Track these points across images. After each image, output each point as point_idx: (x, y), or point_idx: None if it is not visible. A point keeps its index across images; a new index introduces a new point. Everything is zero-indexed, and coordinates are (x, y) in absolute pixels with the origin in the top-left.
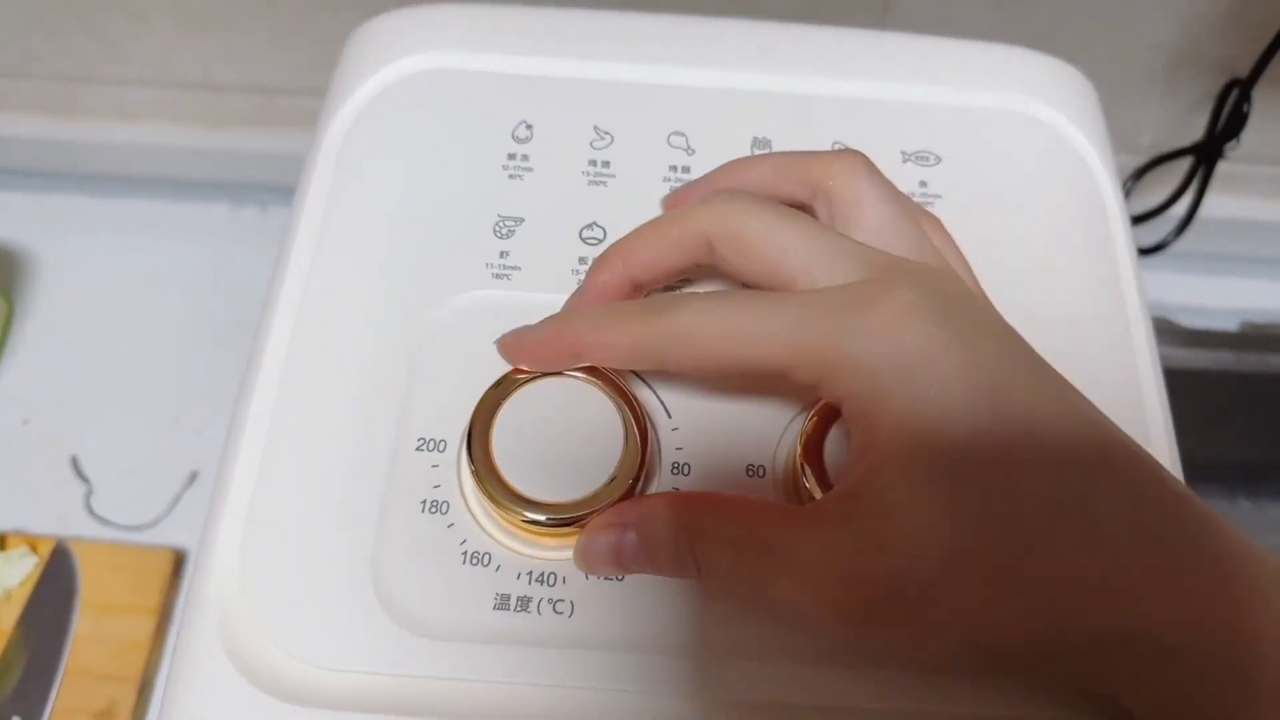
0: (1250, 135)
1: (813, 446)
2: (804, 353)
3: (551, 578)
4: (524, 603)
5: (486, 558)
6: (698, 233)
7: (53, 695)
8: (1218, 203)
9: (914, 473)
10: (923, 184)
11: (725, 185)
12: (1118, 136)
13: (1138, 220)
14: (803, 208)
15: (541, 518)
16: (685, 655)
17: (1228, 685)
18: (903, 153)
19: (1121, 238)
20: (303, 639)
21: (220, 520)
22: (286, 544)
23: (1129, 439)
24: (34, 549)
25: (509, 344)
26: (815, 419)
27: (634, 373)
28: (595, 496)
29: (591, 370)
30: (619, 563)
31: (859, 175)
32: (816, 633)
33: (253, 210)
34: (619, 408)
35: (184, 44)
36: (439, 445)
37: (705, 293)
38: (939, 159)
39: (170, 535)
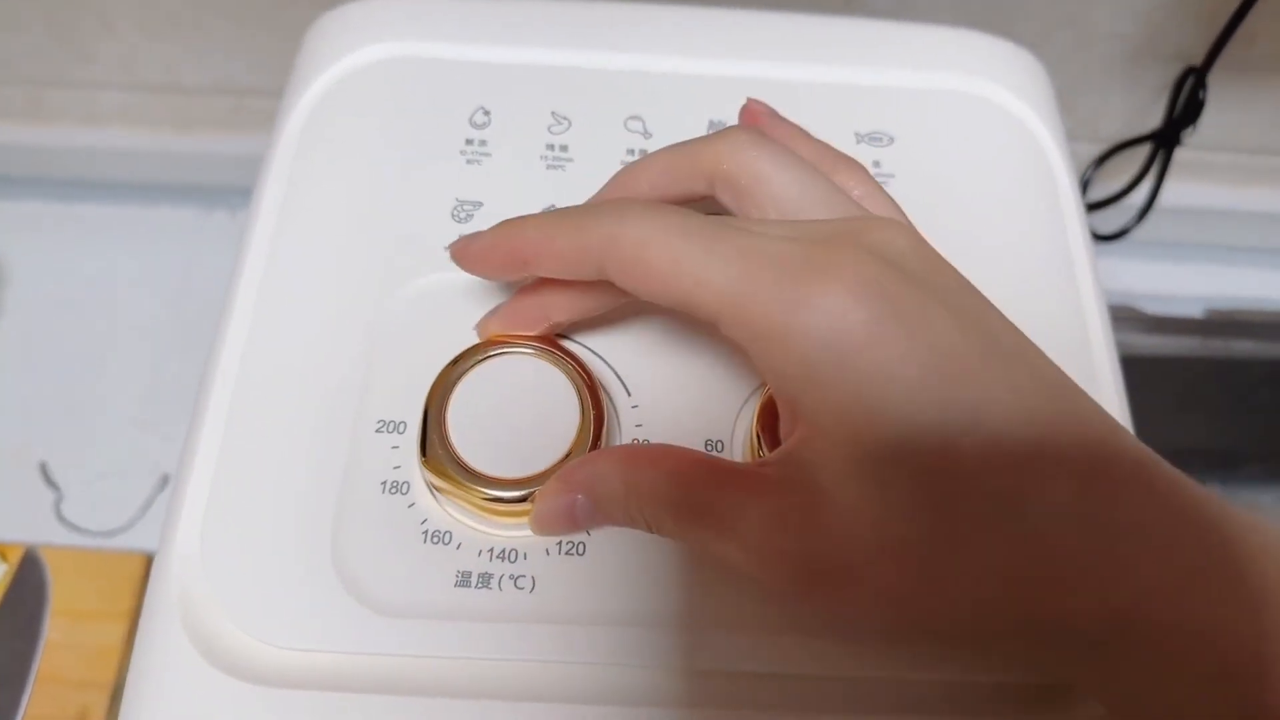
0: (1207, 122)
1: (768, 419)
2: (737, 314)
3: (512, 554)
4: (485, 579)
5: (447, 536)
6: (593, 258)
7: (24, 703)
8: (1178, 190)
9: (852, 461)
10: (876, 164)
11: (615, 197)
12: (1079, 125)
13: (1098, 206)
14: (706, 200)
15: (496, 494)
16: (646, 626)
17: (1176, 673)
18: (856, 134)
19: (1074, 217)
20: (265, 620)
21: (181, 505)
22: (247, 528)
23: (1091, 414)
24: (3, 557)
25: (459, 250)
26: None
27: (594, 351)
28: (549, 472)
29: (548, 347)
30: (574, 525)
31: (749, 149)
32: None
33: (222, 214)
34: (574, 384)
35: (150, 47)
36: (399, 427)
37: (660, 206)
38: (892, 140)
39: (142, 540)
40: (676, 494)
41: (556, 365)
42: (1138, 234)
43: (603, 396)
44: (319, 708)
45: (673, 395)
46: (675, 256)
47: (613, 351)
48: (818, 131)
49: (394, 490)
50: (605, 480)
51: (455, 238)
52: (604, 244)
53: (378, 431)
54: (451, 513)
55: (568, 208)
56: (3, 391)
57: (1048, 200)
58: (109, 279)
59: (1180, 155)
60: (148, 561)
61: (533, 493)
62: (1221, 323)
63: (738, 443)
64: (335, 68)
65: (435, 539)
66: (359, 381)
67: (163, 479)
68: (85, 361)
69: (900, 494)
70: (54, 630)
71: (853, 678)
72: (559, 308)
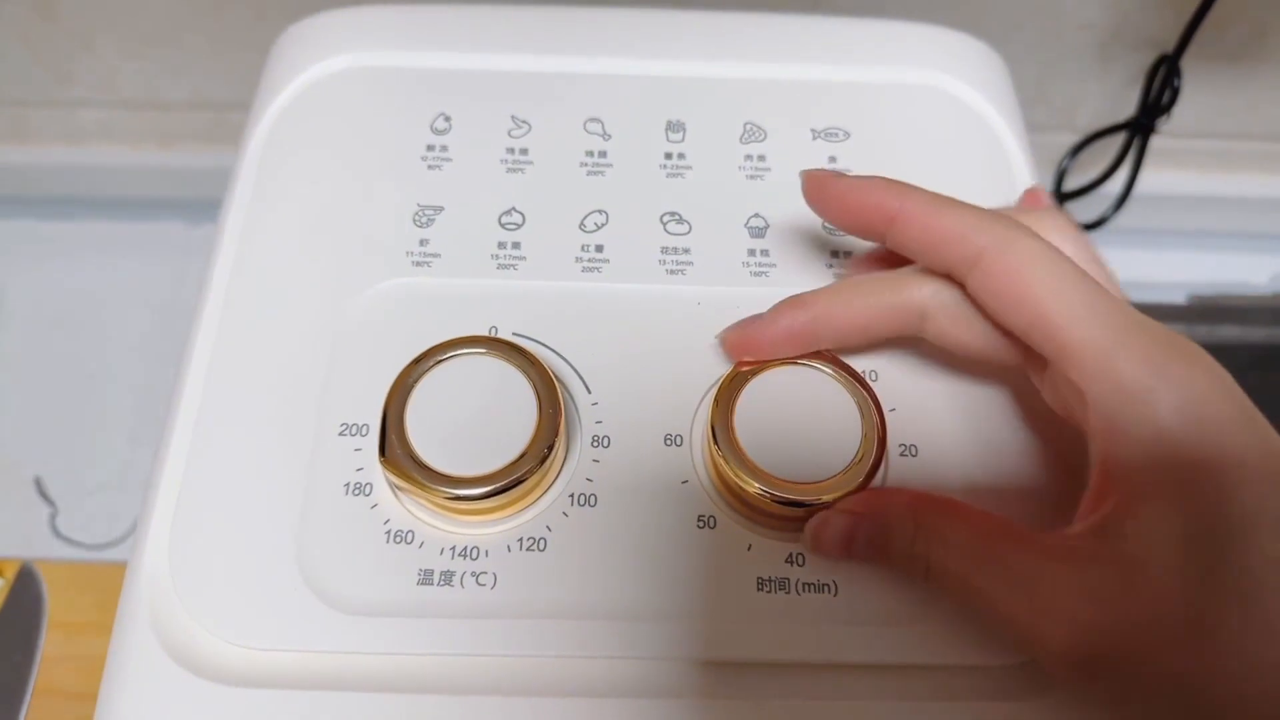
0: (1182, 109)
1: (722, 413)
2: (1102, 365)
3: (474, 551)
4: (447, 577)
5: (410, 535)
6: (967, 249)
7: (22, 716)
8: (1156, 177)
9: (1184, 540)
10: (832, 159)
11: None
12: (1055, 115)
13: (1075, 195)
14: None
15: (456, 492)
16: (607, 619)
17: None
18: (812, 130)
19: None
20: (232, 622)
21: (151, 513)
22: (214, 533)
23: None
24: (0, 572)
25: (818, 177)
26: (725, 385)
27: (553, 349)
28: (508, 470)
29: (507, 348)
30: (849, 549)
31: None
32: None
33: (209, 228)
34: (532, 382)
35: (129, 64)
36: (361, 429)
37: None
38: (848, 134)
39: None
40: (976, 545)
41: (514, 364)
42: (1117, 222)
43: (561, 394)
44: (287, 706)
45: (633, 390)
46: (1061, 285)
47: (573, 349)
48: (774, 129)
49: (357, 491)
50: (898, 515)
51: (416, 243)
52: (994, 239)
53: (340, 434)
54: (413, 512)
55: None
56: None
57: (1004, 188)
58: (98, 295)
59: (1156, 143)
60: None
61: (493, 489)
62: (1204, 308)
63: (696, 437)
64: (299, 80)
65: (398, 538)
66: (322, 386)
67: None
68: (77, 377)
69: (1226, 580)
70: (51, 643)
71: (815, 663)
72: (832, 331)
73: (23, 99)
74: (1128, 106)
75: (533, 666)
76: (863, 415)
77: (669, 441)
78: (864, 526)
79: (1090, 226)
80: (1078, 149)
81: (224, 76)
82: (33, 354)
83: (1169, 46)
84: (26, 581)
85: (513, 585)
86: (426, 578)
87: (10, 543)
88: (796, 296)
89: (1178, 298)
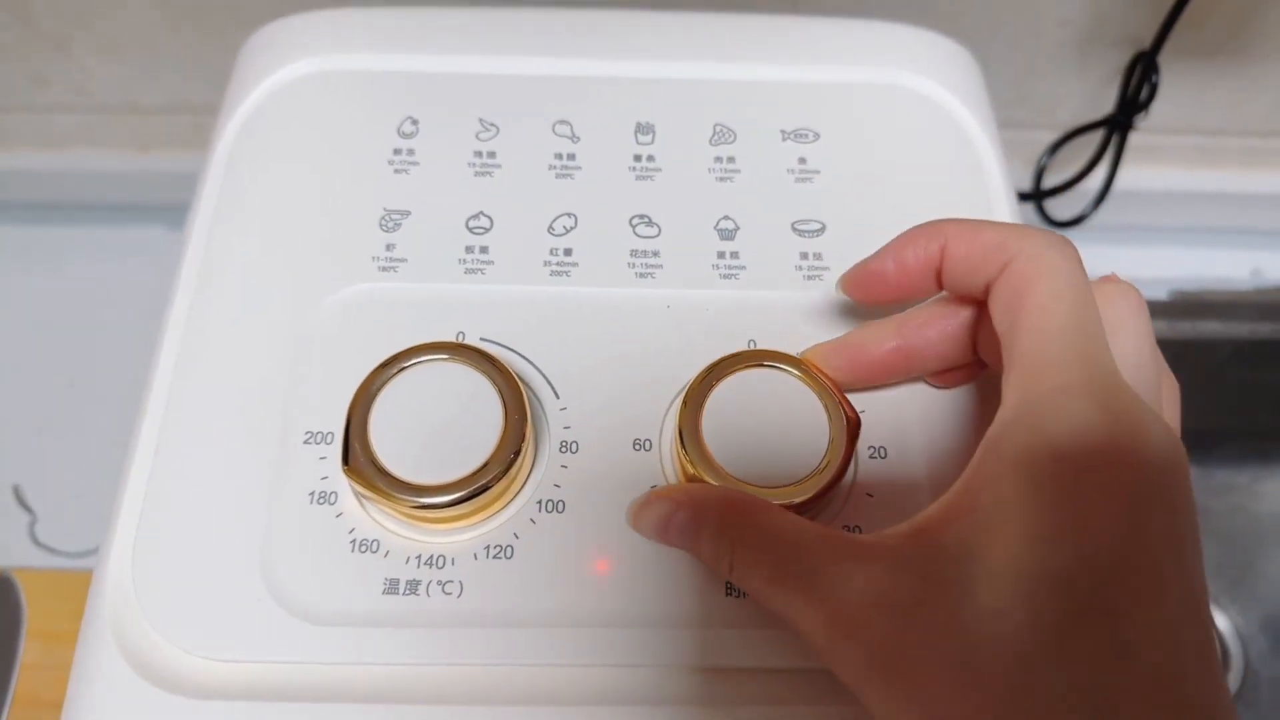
0: (1160, 105)
1: (691, 416)
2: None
3: (439, 560)
4: (413, 586)
5: (375, 544)
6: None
7: None
8: (1135, 174)
9: (1039, 572)
10: (802, 160)
11: None
12: (1034, 113)
13: (1054, 193)
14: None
15: (419, 500)
16: (574, 626)
17: None
18: (782, 131)
19: (1002, 198)
20: (196, 633)
21: (115, 523)
22: (178, 542)
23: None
24: None
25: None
26: (694, 388)
27: (522, 355)
28: (470, 478)
29: (471, 354)
30: (664, 535)
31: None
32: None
33: None
34: (497, 388)
35: (105, 69)
36: (326, 438)
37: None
38: (817, 135)
39: None
40: (777, 556)
41: (480, 370)
42: (1097, 219)
43: (527, 400)
44: (250, 718)
45: (602, 395)
46: (1056, 305)
47: (541, 354)
48: (744, 131)
49: (322, 500)
50: (709, 512)
51: (382, 248)
52: (1028, 246)
53: (305, 443)
54: (379, 520)
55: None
56: None
57: (975, 186)
58: (76, 301)
59: (1135, 139)
60: None
61: (457, 497)
62: (1186, 304)
63: (665, 441)
64: (265, 84)
65: (363, 547)
66: (287, 393)
67: None
68: (56, 384)
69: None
70: (30, 652)
71: (778, 667)
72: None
73: None
74: (1107, 104)
75: (500, 675)
76: (831, 418)
77: (638, 446)
78: (678, 515)
79: (1070, 223)
80: (1056, 146)
81: (201, 80)
82: (10, 361)
83: (1146, 43)
84: (5, 590)
85: (479, 594)
86: (392, 587)
87: None
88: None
89: (1160, 294)
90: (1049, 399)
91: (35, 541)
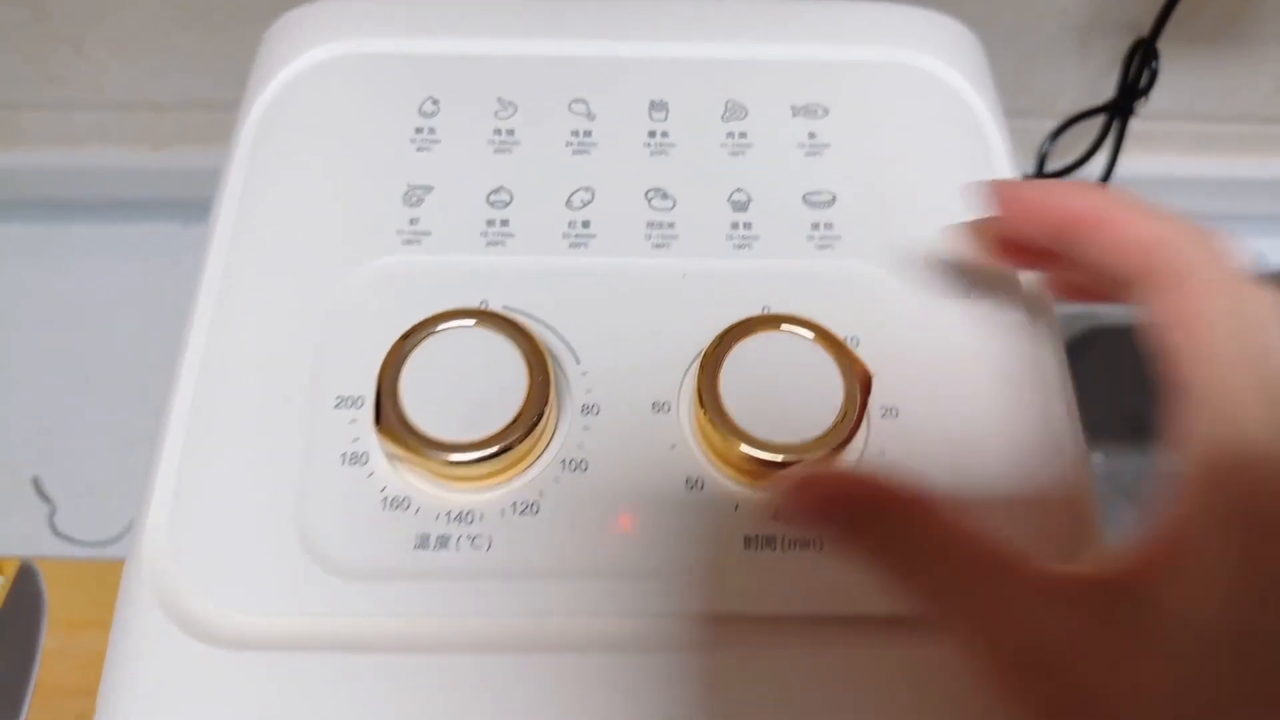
0: (1160, 92)
1: (708, 378)
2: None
3: (469, 516)
4: (443, 541)
5: (405, 502)
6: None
7: (24, 712)
8: (1136, 161)
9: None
10: (811, 135)
11: None
12: (1036, 101)
13: (1055, 178)
14: None
15: (450, 458)
16: (599, 578)
17: None
18: (792, 107)
19: (1006, 168)
20: (233, 589)
21: (152, 487)
22: (214, 504)
23: None
24: (0, 570)
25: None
26: (711, 352)
27: (543, 322)
28: (498, 436)
29: (496, 320)
30: (817, 519)
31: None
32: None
33: (202, 228)
34: (521, 351)
35: (120, 66)
36: (356, 402)
37: None
38: (827, 111)
39: None
40: (951, 566)
41: (505, 335)
42: None
43: (550, 363)
44: (287, 668)
45: (621, 359)
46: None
47: (562, 321)
48: (755, 107)
49: (353, 461)
50: (869, 504)
51: (406, 221)
52: (1205, 258)
53: (336, 407)
54: (409, 480)
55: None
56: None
57: (980, 165)
58: (93, 297)
59: (1136, 126)
60: None
61: (486, 454)
62: None
63: (683, 403)
64: (286, 70)
65: (394, 505)
66: (317, 361)
67: None
68: (74, 378)
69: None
70: (51, 640)
71: (799, 616)
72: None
73: (13, 102)
74: (1107, 91)
75: (528, 626)
76: (844, 378)
77: (657, 409)
78: (831, 507)
79: None
80: (1058, 133)
81: (215, 76)
82: (29, 357)
83: (1145, 29)
84: (26, 579)
85: (507, 548)
86: (423, 542)
87: (9, 541)
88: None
89: None
90: (1251, 444)
91: (55, 532)
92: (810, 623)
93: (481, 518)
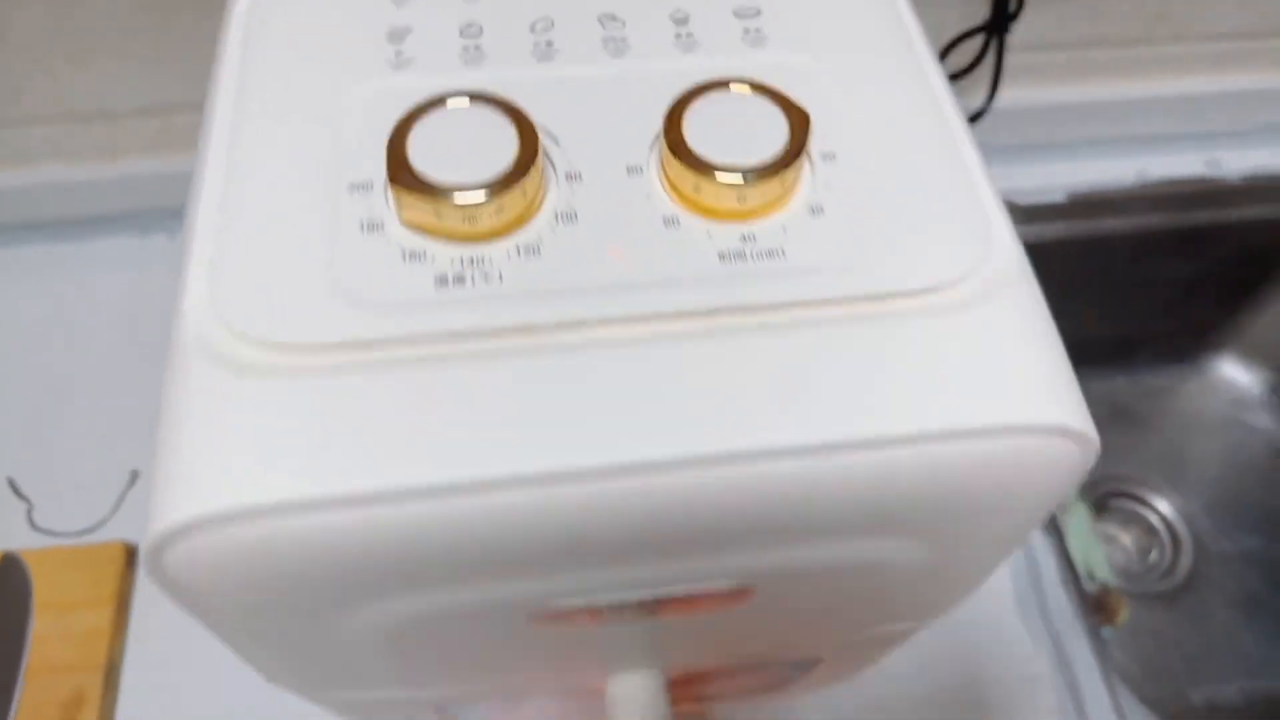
0: (1028, 24)
1: (674, 132)
2: None
3: (480, 260)
4: (459, 279)
5: (422, 254)
6: None
7: (16, 695)
8: (1015, 94)
9: None
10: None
11: None
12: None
13: None
14: None
15: (457, 201)
16: (597, 292)
17: None
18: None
19: (923, 51)
20: (271, 330)
21: (190, 253)
22: (246, 266)
23: None
24: None
25: None
26: (673, 112)
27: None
28: (505, 177)
29: (486, 99)
30: None
31: None
32: None
33: (160, 237)
34: (512, 119)
35: (77, 76)
36: (368, 185)
37: None
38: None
39: (117, 534)
40: None
41: (496, 110)
42: (992, 139)
43: (538, 130)
44: (327, 391)
45: (594, 138)
46: None
47: (539, 113)
48: (697, 12)
49: (371, 229)
50: None
51: (393, 53)
52: None
53: (351, 190)
54: (424, 237)
55: None
56: None
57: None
58: (57, 315)
59: (1012, 59)
60: (128, 549)
61: (490, 192)
62: (1083, 204)
63: (653, 163)
64: None
65: (411, 257)
66: (327, 164)
67: (132, 475)
68: (45, 387)
69: None
70: (42, 623)
71: (774, 303)
72: None
73: None
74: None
75: (542, 332)
76: (786, 118)
77: (631, 171)
78: None
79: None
80: (944, 53)
81: (171, 79)
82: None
83: None
84: (11, 568)
85: (517, 279)
86: (441, 280)
87: None
88: None
89: (1058, 198)
90: None
91: (34, 526)
92: (784, 307)
93: (490, 260)
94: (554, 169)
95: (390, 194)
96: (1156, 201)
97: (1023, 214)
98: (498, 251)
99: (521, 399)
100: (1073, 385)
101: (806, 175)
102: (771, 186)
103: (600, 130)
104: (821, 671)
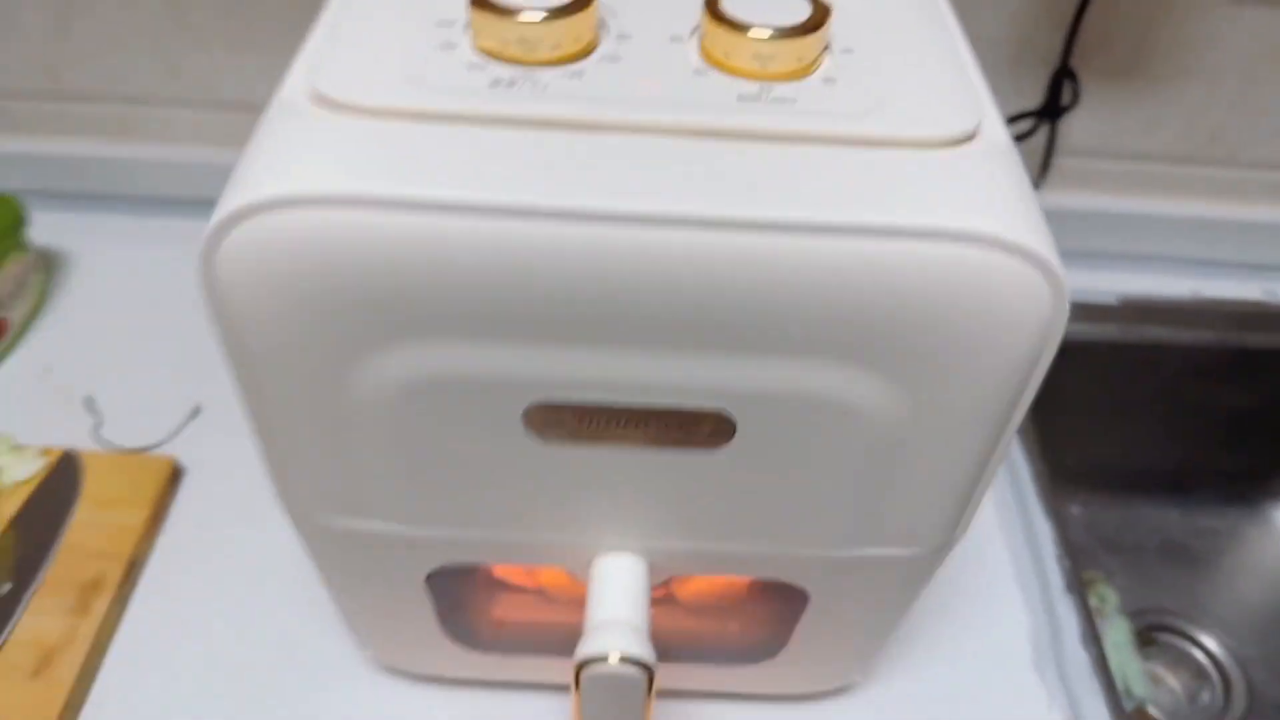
0: (1080, 122)
1: (714, 3)
2: None
3: (532, 75)
4: (511, 82)
5: (484, 66)
6: None
7: (46, 565)
8: (1061, 198)
9: None
10: None
11: None
12: None
13: None
14: None
15: (523, 19)
16: (634, 132)
17: None
18: None
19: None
20: (365, 91)
21: (297, 59)
22: (344, 66)
23: None
24: (45, 455)
25: None
26: None
27: None
28: (564, 7)
29: None
30: None
31: None
32: None
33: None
34: None
35: (232, 64)
36: (453, 23)
37: None
38: None
39: (171, 452)
40: None
41: None
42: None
43: None
44: (384, 132)
45: (643, 9)
46: None
47: None
48: None
49: (446, 48)
50: None
51: None
52: None
53: (438, 24)
54: (486, 60)
55: None
56: (59, 346)
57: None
58: (168, 279)
59: (1060, 163)
60: (175, 467)
61: (552, 11)
62: (1137, 309)
63: (692, 35)
64: None
65: (475, 68)
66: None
67: (194, 409)
68: (132, 334)
69: None
70: (83, 512)
71: (790, 132)
72: None
73: (135, 96)
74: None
75: (570, 123)
76: (814, 6)
77: (674, 39)
78: None
79: None
80: None
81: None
82: (99, 315)
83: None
84: (68, 461)
85: (560, 90)
86: (496, 82)
87: (57, 444)
88: None
89: (1110, 300)
90: None
91: (100, 440)
92: (785, 135)
93: (540, 78)
94: (609, 28)
95: (468, 20)
96: (1212, 319)
97: (1074, 311)
98: (548, 74)
99: (545, 158)
100: (1045, 230)
101: (826, 59)
102: (792, 49)
103: (654, 6)
104: (804, 649)
